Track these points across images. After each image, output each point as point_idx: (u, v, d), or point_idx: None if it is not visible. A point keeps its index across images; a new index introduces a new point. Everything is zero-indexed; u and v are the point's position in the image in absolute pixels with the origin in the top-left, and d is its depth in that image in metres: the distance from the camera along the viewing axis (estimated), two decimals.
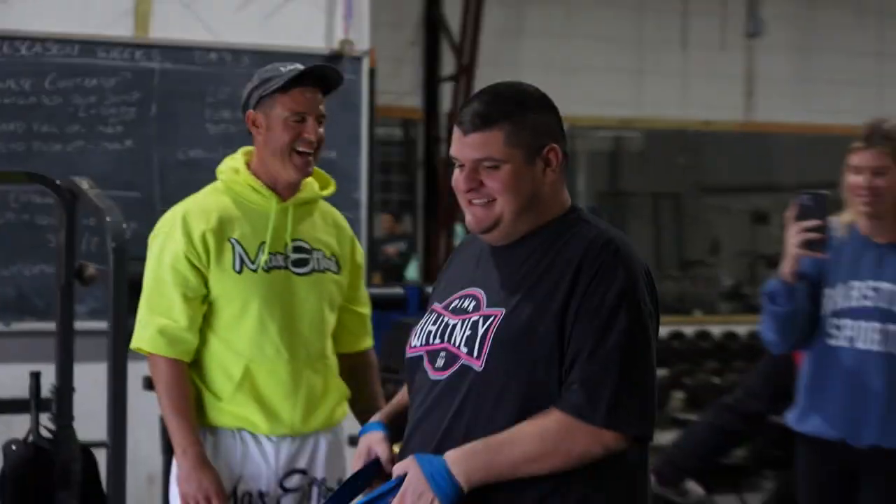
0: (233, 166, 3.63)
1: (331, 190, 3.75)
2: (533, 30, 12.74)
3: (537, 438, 2.42)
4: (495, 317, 2.51)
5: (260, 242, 3.54)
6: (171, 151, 6.95)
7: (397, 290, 7.87)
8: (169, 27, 6.93)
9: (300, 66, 3.54)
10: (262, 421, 3.54)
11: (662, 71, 13.15)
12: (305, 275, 3.61)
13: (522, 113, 2.53)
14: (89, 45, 6.53)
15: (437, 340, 2.61)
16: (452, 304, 2.67)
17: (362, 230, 7.54)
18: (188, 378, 3.53)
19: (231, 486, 3.54)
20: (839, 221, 4.17)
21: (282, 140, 3.45)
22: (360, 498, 2.73)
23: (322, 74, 3.63)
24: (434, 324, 2.65)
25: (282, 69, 3.54)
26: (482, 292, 2.59)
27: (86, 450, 4.90)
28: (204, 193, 3.65)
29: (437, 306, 2.71)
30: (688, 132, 13.66)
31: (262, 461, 3.59)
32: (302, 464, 3.62)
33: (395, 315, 6.83)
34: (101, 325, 4.77)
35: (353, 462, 2.83)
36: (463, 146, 2.51)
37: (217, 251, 3.48)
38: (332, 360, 3.72)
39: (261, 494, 3.58)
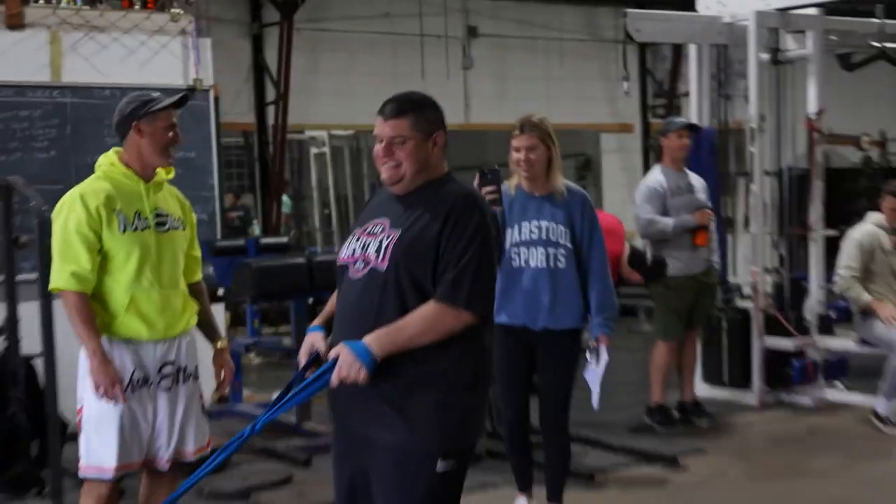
0: (109, 161, 3.67)
1: (171, 175, 3.80)
2: (326, 69, 12.61)
3: (421, 322, 2.58)
4: (394, 235, 2.65)
5: (135, 211, 3.58)
6: (82, 158, 6.37)
7: (240, 242, 7.97)
8: (75, 74, 6.66)
9: (172, 97, 3.68)
10: (144, 331, 3.60)
11: None
12: (164, 232, 3.67)
13: (421, 110, 2.73)
14: (21, 88, 6.40)
15: (358, 253, 2.73)
16: (368, 229, 2.77)
17: (216, 204, 7.51)
18: (90, 304, 3.56)
19: (129, 375, 3.57)
20: (510, 184, 4.26)
21: (163, 142, 3.56)
22: (308, 377, 2.76)
23: (186, 101, 3.77)
24: (356, 241, 2.78)
25: (154, 95, 3.66)
26: (387, 220, 2.72)
27: (28, 360, 5.01)
28: (90, 180, 3.68)
29: (358, 230, 2.82)
30: None
31: (146, 357, 3.63)
32: (171, 357, 3.68)
33: (239, 258, 6.88)
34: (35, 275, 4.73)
35: (300, 354, 2.88)
36: (383, 127, 2.70)
37: (107, 219, 3.52)
38: (184, 287, 3.79)
39: (146, 378, 3.62)
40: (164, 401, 3.67)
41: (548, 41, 13.38)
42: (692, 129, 6.15)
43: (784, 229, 7.05)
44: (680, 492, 5.13)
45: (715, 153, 6.84)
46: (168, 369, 3.67)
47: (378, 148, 2.72)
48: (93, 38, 6.67)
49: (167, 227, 3.70)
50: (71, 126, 6.69)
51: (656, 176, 6.02)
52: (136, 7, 6.96)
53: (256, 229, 12.44)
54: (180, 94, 3.77)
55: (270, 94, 12.12)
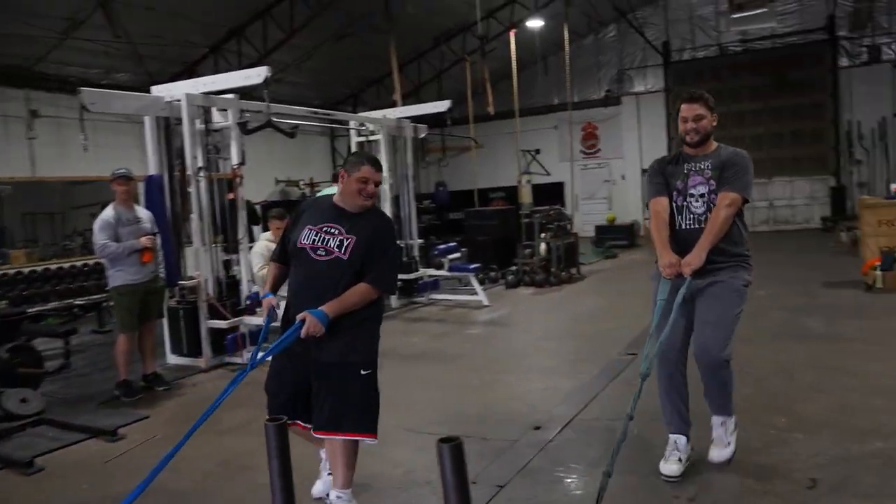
0: None
1: None
2: None
3: (359, 296, 2.99)
4: (353, 238, 3.00)
5: None
6: None
7: None
8: None
9: None
10: None
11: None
12: None
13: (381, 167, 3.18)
14: None
15: (320, 243, 3.03)
16: (324, 228, 3.04)
17: None
18: None
19: None
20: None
21: None
22: (277, 339, 2.99)
23: None
24: (315, 235, 3.05)
25: None
26: (342, 227, 3.03)
27: None
28: None
29: (312, 227, 3.08)
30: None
31: None
32: None
33: None
34: None
35: (263, 312, 3.18)
36: (372, 173, 3.06)
37: None
38: None
39: None
40: None
41: (82, 120, 11.13)
42: (125, 177, 5.67)
43: (228, 244, 6.94)
44: (105, 466, 4.16)
45: (163, 192, 6.45)
46: None
47: (369, 188, 3.05)
48: None
49: None
50: None
51: (108, 211, 5.65)
52: None
53: None
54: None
55: None
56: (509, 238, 11.96)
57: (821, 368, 5.22)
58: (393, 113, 9.38)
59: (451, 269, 9.51)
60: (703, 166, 3.40)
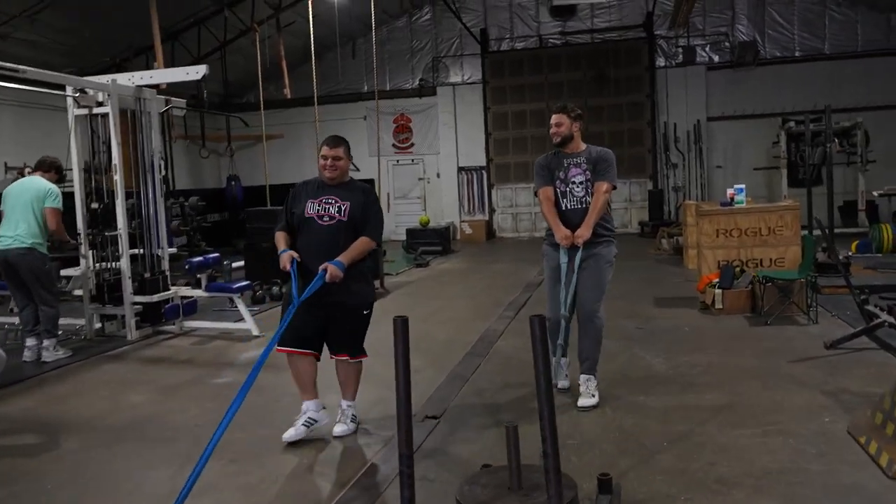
0: None
1: None
2: None
3: (362, 247, 3.95)
4: (347, 203, 3.97)
5: None
6: None
7: None
8: None
9: None
10: None
11: None
12: None
13: (346, 143, 4.07)
14: None
15: (323, 212, 3.96)
16: (323, 200, 3.98)
17: None
18: None
19: None
20: None
21: None
22: (307, 288, 3.73)
23: None
24: (318, 206, 3.97)
25: None
26: (335, 197, 3.98)
27: None
28: None
29: (312, 200, 4.00)
30: None
31: None
32: None
33: None
34: None
35: (286, 262, 3.85)
36: (329, 151, 4.00)
37: None
38: None
39: None
40: None
41: None
42: None
43: None
44: None
45: None
46: None
47: (324, 162, 4.00)
48: None
49: None
50: None
51: None
52: None
53: None
54: None
55: None
56: None
57: (680, 442, 3.90)
58: (128, 79, 7.02)
59: (209, 289, 7.41)
60: (579, 160, 4.51)
